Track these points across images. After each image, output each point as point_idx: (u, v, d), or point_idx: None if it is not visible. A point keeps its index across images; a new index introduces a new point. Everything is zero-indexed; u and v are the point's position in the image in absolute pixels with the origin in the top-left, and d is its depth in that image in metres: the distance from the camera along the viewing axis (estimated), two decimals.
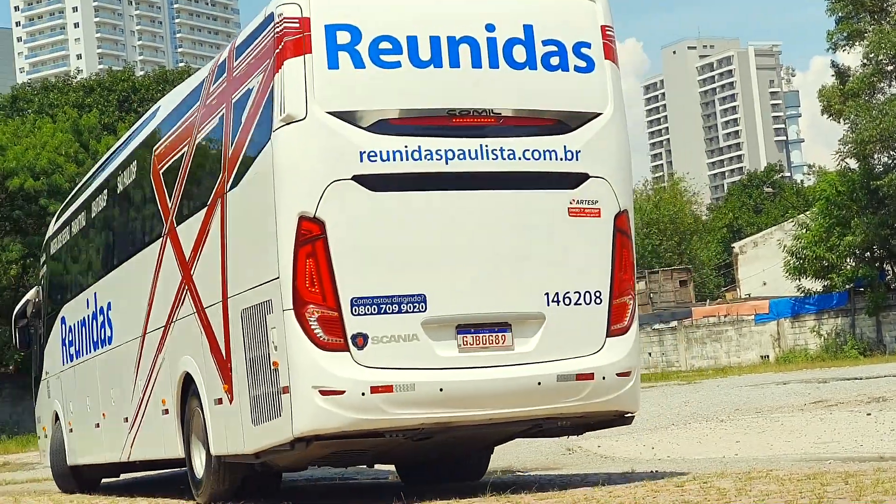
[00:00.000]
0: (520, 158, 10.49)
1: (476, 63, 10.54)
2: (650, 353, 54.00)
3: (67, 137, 39.47)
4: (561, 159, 10.63)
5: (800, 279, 50.62)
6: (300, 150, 10.16)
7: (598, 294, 10.63)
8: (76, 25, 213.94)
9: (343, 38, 10.26)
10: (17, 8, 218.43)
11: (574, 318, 10.56)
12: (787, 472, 11.50)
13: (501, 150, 10.43)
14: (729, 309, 55.29)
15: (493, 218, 10.45)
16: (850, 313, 49.73)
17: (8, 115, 50.80)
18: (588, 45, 10.95)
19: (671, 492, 10.54)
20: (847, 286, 49.47)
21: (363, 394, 9.85)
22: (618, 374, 10.68)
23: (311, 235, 9.96)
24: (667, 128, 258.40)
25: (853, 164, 49.03)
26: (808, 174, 75.64)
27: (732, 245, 73.04)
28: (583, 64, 10.92)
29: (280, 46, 10.25)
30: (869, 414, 19.53)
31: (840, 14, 48.85)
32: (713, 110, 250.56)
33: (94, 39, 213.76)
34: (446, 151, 10.30)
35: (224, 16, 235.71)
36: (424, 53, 10.42)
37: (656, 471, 13.06)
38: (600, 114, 10.96)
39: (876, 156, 48.75)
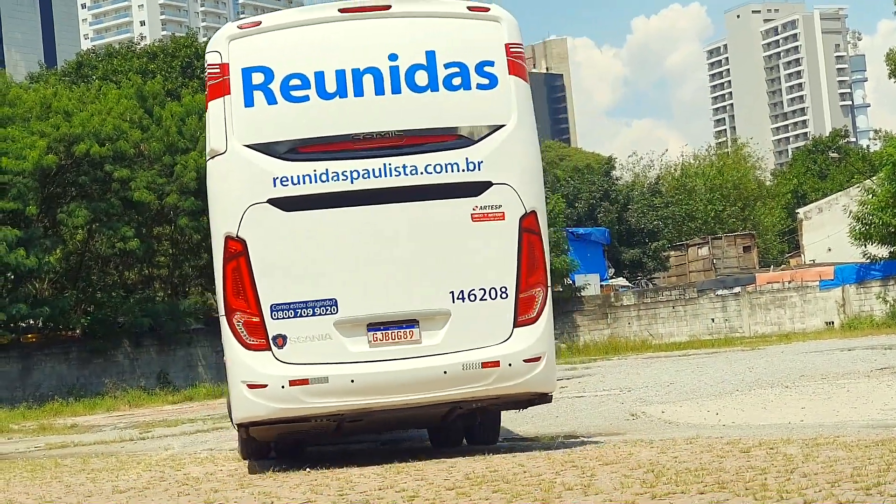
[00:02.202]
0: (422, 173, 11.88)
1: (379, 90, 11.98)
2: (713, 319, 53.68)
3: (132, 104, 39.65)
4: (463, 170, 11.94)
5: (865, 245, 50.06)
6: (223, 180, 12.03)
7: (503, 289, 11.92)
8: None
9: (258, 78, 11.95)
10: None
11: (480, 313, 11.89)
12: (854, 439, 11.41)
13: (404, 166, 11.86)
14: (793, 275, 54.78)
15: (399, 228, 11.90)
16: None
17: (73, 82, 51.18)
18: (491, 64, 12.18)
19: (737, 457, 10.50)
20: None
21: (283, 386, 11.68)
22: (525, 360, 11.93)
23: (236, 252, 11.80)
24: (730, 93, 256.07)
25: None
26: (875, 139, 74.58)
27: (797, 211, 72.28)
28: (486, 81, 12.16)
29: (206, 90, 12.17)
30: None
31: None
32: (777, 75, 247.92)
33: (157, 6, 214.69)
34: (351, 172, 11.80)
35: None
36: (330, 86, 11.96)
37: (721, 437, 13.00)
38: (503, 125, 12.13)
39: None
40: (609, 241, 61.28)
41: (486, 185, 11.97)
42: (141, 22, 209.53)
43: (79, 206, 36.92)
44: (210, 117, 12.12)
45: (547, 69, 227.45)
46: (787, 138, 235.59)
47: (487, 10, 12.44)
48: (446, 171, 11.93)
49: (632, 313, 54.50)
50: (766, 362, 26.11)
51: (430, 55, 12.10)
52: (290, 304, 11.77)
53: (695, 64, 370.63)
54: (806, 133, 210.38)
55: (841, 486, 8.28)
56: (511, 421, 17.54)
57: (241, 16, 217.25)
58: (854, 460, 9.52)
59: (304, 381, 11.69)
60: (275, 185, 11.79)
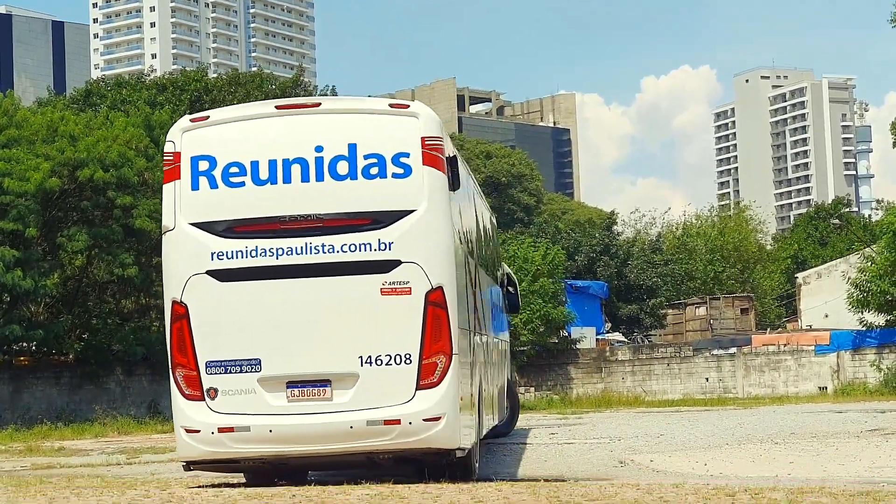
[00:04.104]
0: (338, 251, 13.41)
1: (305, 178, 13.57)
2: (707, 379, 53.55)
3: (139, 132, 39.71)
4: (375, 249, 13.41)
5: (862, 312, 49.99)
6: (171, 252, 13.88)
7: (408, 356, 13.30)
8: (152, 25, 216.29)
9: (203, 165, 13.70)
10: (95, 4, 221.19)
11: (386, 376, 13.29)
12: (839, 489, 11.42)
13: (323, 245, 13.44)
14: (789, 338, 54.68)
15: (317, 299, 13.45)
16: None
17: (81, 109, 51.39)
18: (407, 155, 13.55)
19: (721, 500, 10.51)
20: None
21: (212, 433, 13.46)
22: (425, 420, 13.27)
23: (179, 315, 13.60)
24: (735, 156, 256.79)
25: None
26: (877, 209, 74.78)
27: (796, 275, 72.29)
28: (400, 171, 13.54)
29: (164, 174, 13.99)
30: None
31: None
32: (783, 141, 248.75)
33: (168, 39, 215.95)
34: (277, 249, 13.49)
35: (299, 23, 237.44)
36: (263, 174, 13.61)
37: (708, 484, 13.00)
38: (414, 210, 13.47)
39: None
40: (607, 295, 61.19)
41: (396, 263, 13.38)
42: (152, 55, 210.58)
43: (79, 230, 36.91)
44: (164, 198, 13.95)
45: (554, 123, 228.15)
46: (790, 204, 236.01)
47: (407, 106, 13.89)
48: (360, 251, 13.43)
49: (626, 368, 54.36)
50: (758, 420, 26.09)
51: (352, 147, 13.59)
52: (221, 361, 13.54)
53: (702, 126, 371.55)
54: (809, 200, 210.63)
55: None
56: (498, 462, 17.52)
57: (252, 55, 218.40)
58: None
59: (230, 429, 13.45)
60: (212, 259, 13.58)
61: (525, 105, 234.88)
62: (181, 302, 13.66)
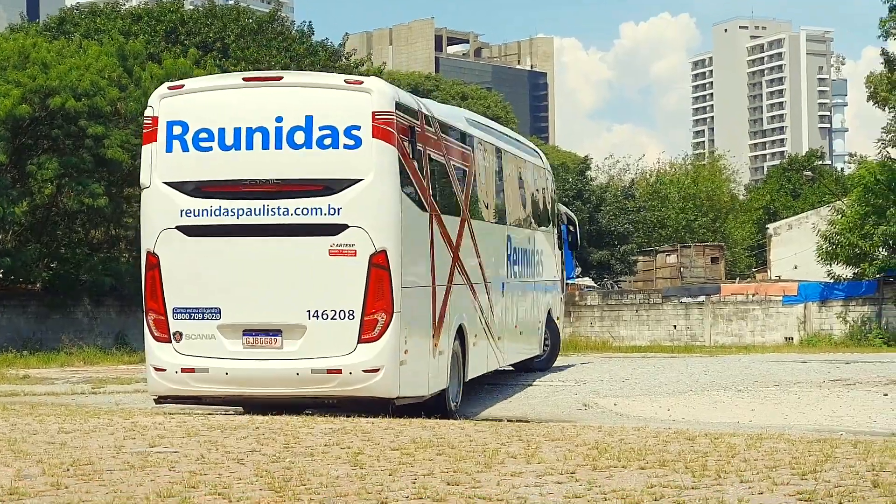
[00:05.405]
0: (292, 214, 14.64)
1: (265, 146, 14.78)
2: (675, 326, 53.85)
3: (112, 61, 39.22)
4: (325, 214, 14.58)
5: (831, 264, 50.22)
6: (147, 207, 15.34)
7: (351, 312, 14.47)
8: None
9: (177, 130, 15.02)
10: None
11: (331, 329, 14.48)
12: (798, 436, 11.52)
13: (279, 208, 14.67)
14: (758, 288, 54.96)
15: (272, 256, 14.71)
16: (877, 302, 49.36)
17: (54, 37, 50.80)
18: (358, 128, 14.65)
19: (681, 443, 10.59)
20: (877, 275, 49.10)
21: (177, 372, 14.85)
22: (364, 371, 14.41)
23: (152, 265, 15.01)
24: (712, 105, 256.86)
25: (895, 153, 48.48)
26: (850, 163, 74.96)
27: (767, 226, 72.55)
28: (352, 142, 14.65)
29: (143, 136, 15.37)
30: (886, 395, 19.50)
31: (894, 2, 48.19)
32: (759, 92, 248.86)
33: None
34: (238, 209, 14.74)
35: None
36: (229, 140, 14.84)
37: (669, 428, 13.08)
38: (362, 179, 14.59)
39: None
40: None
41: (343, 227, 14.55)
42: None
43: (49, 159, 36.52)
44: (143, 157, 15.28)
45: (532, 67, 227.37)
46: (764, 155, 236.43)
47: (361, 82, 15.10)
48: (311, 214, 14.62)
49: (595, 313, 54.62)
50: (723, 368, 26.20)
51: (309, 119, 14.75)
52: (186, 308, 14.86)
53: (680, 74, 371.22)
54: (783, 151, 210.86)
55: (779, 471, 8.37)
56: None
57: None
58: (794, 452, 9.62)
59: (191, 370, 14.81)
60: (181, 216, 14.90)
61: (503, 48, 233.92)
62: (154, 253, 15.04)
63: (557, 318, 26.29)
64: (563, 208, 27.49)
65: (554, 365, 25.78)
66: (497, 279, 20.21)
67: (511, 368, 24.16)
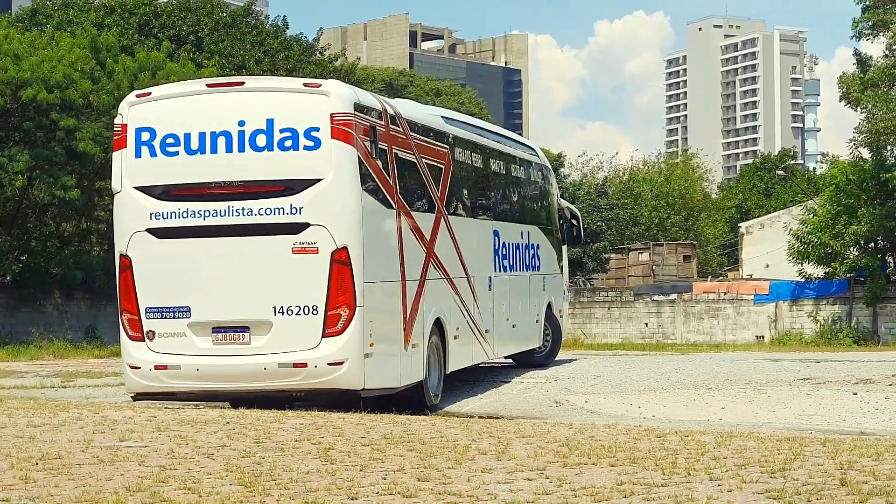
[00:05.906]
0: (256, 214, 15.07)
1: (228, 149, 15.21)
2: (647, 324, 54.01)
3: (85, 54, 39.04)
4: (287, 213, 15.01)
5: (802, 264, 50.44)
6: (118, 211, 15.81)
7: (314, 307, 14.86)
8: None
9: (145, 136, 15.48)
10: None
11: (296, 324, 14.89)
12: (768, 434, 11.57)
13: (242, 209, 15.10)
14: (729, 287, 55.15)
15: (238, 255, 15.14)
16: (848, 301, 49.59)
17: (26, 28, 50.52)
18: (317, 130, 15.05)
19: (651, 441, 10.62)
20: (848, 275, 49.33)
21: (150, 369, 15.34)
22: (329, 364, 14.82)
23: (125, 266, 15.50)
24: (685, 104, 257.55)
25: (866, 153, 48.70)
26: (822, 162, 75.22)
27: (739, 225, 72.81)
28: (311, 144, 15.05)
29: (114, 143, 15.79)
30: (855, 393, 19.59)
31: (867, 3, 48.41)
32: (733, 91, 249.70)
33: None
34: (204, 211, 15.21)
35: None
36: (194, 145, 15.30)
37: (640, 426, 13.11)
38: (322, 179, 15.00)
39: (889, 147, 48.39)
40: None
41: (305, 226, 14.96)
42: None
43: (21, 151, 36.37)
44: (114, 163, 15.75)
45: (506, 63, 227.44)
46: (737, 154, 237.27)
47: (319, 85, 15.47)
48: (274, 214, 15.05)
49: (567, 311, 54.73)
50: (694, 366, 26.28)
51: (270, 122, 15.15)
52: (158, 307, 15.33)
53: (654, 72, 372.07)
54: (756, 150, 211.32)
55: (748, 468, 8.40)
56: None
57: None
58: (764, 450, 9.66)
59: (164, 367, 15.28)
60: (151, 218, 15.38)
61: (477, 44, 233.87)
62: (126, 255, 15.53)
63: (560, 312, 26.27)
64: (566, 203, 27.88)
65: (556, 359, 25.87)
66: (482, 273, 20.47)
67: (511, 363, 24.30)
